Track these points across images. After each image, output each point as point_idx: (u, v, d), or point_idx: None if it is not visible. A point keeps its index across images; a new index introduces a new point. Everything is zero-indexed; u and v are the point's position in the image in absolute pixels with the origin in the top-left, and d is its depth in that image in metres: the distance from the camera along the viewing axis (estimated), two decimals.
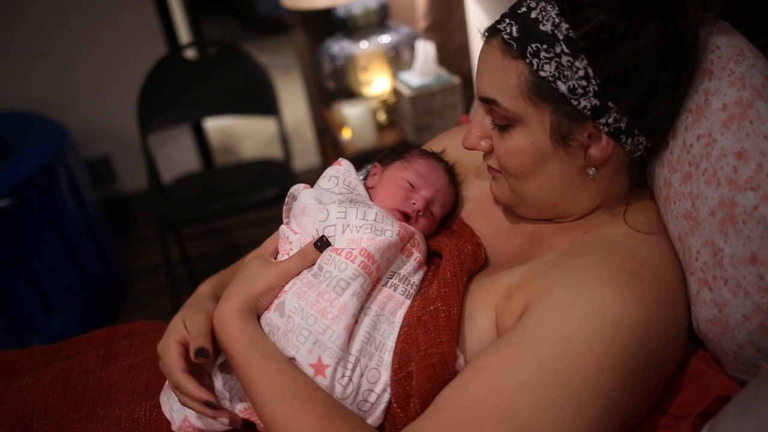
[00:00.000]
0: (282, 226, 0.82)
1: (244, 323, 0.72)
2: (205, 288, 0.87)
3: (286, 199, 0.85)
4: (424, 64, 2.00)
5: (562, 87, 0.68)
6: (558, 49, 0.67)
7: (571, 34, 0.67)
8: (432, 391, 0.68)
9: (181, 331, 0.76)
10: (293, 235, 0.79)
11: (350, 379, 0.68)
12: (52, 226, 2.09)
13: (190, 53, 2.80)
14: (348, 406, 0.68)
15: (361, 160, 2.37)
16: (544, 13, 0.68)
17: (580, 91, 0.68)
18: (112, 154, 2.98)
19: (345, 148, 2.18)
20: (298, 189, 0.84)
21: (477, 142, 0.78)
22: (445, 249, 0.79)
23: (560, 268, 0.71)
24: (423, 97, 2.01)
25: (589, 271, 0.68)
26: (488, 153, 0.79)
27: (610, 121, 0.70)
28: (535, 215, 0.81)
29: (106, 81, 2.81)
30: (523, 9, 0.71)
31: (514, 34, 0.69)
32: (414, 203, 0.83)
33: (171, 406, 0.79)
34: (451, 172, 0.90)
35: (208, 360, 0.73)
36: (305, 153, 3.32)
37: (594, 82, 0.68)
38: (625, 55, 0.67)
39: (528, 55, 0.69)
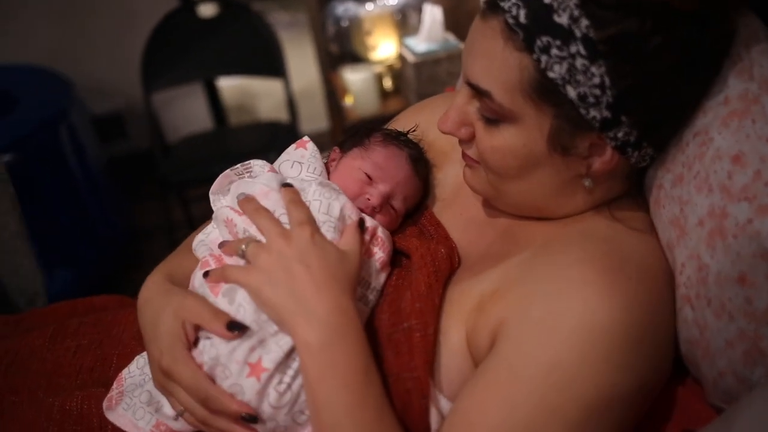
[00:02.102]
0: (222, 209, 0.71)
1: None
2: (155, 276, 0.75)
3: (239, 169, 0.75)
4: (431, 28, 1.89)
5: (572, 93, 0.58)
6: (573, 49, 0.57)
7: (591, 34, 0.56)
8: (408, 421, 0.62)
9: (183, 335, 0.64)
10: (237, 216, 0.69)
11: (289, 386, 0.62)
12: (55, 184, 2.06)
13: (205, 10, 2.72)
14: (282, 416, 0.62)
15: None
16: (560, 1, 0.57)
17: (591, 100, 0.58)
18: (125, 111, 2.93)
19: (347, 114, 2.11)
20: (262, 168, 0.75)
21: (456, 128, 0.68)
22: (416, 252, 0.70)
23: (535, 271, 0.63)
24: (428, 63, 1.91)
25: (569, 274, 0.60)
26: (467, 141, 0.70)
27: (620, 135, 0.61)
28: (514, 212, 0.73)
29: (119, 35, 2.74)
30: None
31: (522, 20, 0.58)
32: (369, 198, 0.74)
33: (133, 415, 0.70)
34: (416, 160, 0.79)
35: (244, 333, 0.62)
36: (316, 116, 3.23)
37: (609, 93, 0.58)
38: (654, 70, 0.57)
39: (536, 50, 0.58)
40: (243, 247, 0.65)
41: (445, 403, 0.64)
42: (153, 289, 0.73)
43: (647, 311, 0.60)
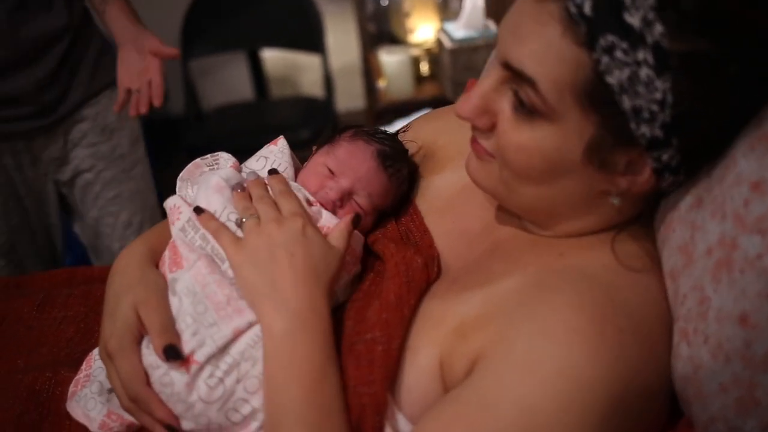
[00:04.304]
0: (174, 198, 0.73)
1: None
2: (140, 247, 0.72)
3: (209, 160, 0.76)
4: (471, 14, 1.83)
5: (626, 103, 0.52)
6: (640, 56, 0.50)
7: (664, 44, 0.49)
8: None
9: (135, 328, 0.63)
10: (185, 205, 0.70)
11: (221, 380, 0.60)
12: None
13: None
14: (213, 412, 0.60)
15: (393, 112, 2.26)
16: None
17: (646, 115, 0.52)
18: (167, 74, 2.92)
19: (380, 96, 2.06)
20: (227, 162, 0.75)
21: (476, 114, 0.60)
22: (390, 260, 0.66)
23: (523, 307, 0.58)
24: (464, 51, 1.84)
25: (558, 317, 0.56)
26: (484, 132, 0.62)
27: (664, 157, 0.54)
28: (519, 213, 0.67)
29: None
30: None
31: (586, 11, 0.51)
32: (327, 192, 0.73)
33: (84, 406, 0.70)
34: (386, 156, 0.75)
35: (180, 362, 0.60)
36: (353, 94, 3.18)
37: (668, 112, 0.51)
38: (722, 98, 0.52)
39: (598, 49, 0.51)
40: (245, 217, 0.66)
41: (404, 424, 0.60)
42: (130, 262, 0.70)
43: (636, 366, 0.55)
